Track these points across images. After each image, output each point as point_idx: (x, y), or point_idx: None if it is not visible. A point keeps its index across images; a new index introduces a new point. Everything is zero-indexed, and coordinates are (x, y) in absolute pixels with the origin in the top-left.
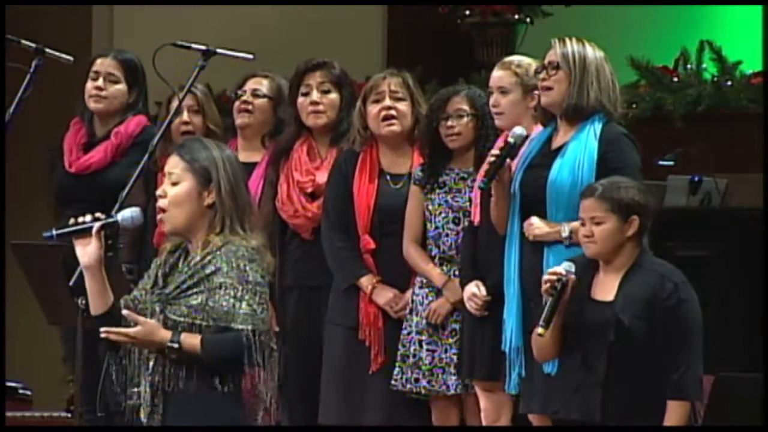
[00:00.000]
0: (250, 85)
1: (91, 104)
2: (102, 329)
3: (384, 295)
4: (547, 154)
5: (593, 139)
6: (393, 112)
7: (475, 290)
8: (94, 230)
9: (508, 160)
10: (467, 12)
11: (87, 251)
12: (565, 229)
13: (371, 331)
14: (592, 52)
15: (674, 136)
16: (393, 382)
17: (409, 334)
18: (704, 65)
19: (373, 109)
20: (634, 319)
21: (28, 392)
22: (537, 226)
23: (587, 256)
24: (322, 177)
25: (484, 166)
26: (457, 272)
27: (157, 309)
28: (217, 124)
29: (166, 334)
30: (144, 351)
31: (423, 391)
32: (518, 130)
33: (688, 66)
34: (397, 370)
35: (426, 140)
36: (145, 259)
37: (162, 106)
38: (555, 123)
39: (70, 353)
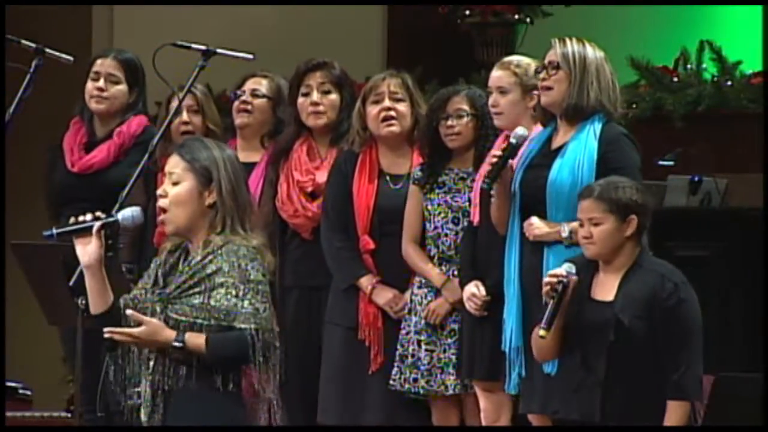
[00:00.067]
0: (250, 85)
1: (93, 105)
2: (106, 329)
3: (384, 296)
4: (547, 154)
5: (593, 139)
6: (392, 113)
7: (474, 290)
8: (94, 229)
9: (510, 161)
10: (467, 12)
11: (87, 250)
12: (564, 230)
13: (371, 331)
14: (592, 52)
15: (674, 136)
16: (391, 382)
17: (407, 334)
18: (704, 65)
19: (372, 109)
20: (633, 319)
21: (28, 392)
22: (537, 226)
23: (587, 257)
24: (321, 176)
25: (486, 167)
26: (456, 272)
27: (158, 308)
28: (216, 124)
29: (170, 334)
30: (144, 351)
31: (421, 391)
32: (520, 130)
33: (688, 66)
34: (395, 370)
35: (426, 140)
36: (145, 259)
37: (162, 106)
38: (555, 123)
39: (70, 353)
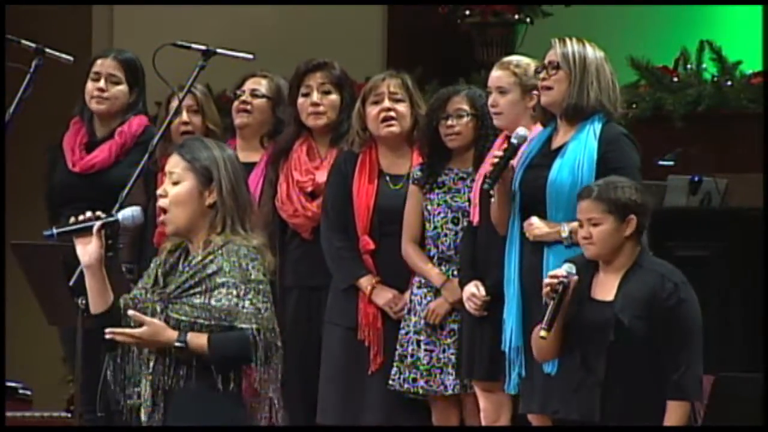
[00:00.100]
0: (249, 85)
1: (93, 105)
2: (107, 330)
3: (383, 296)
4: (547, 154)
5: (593, 139)
6: (392, 113)
7: (474, 290)
8: (94, 229)
9: (510, 161)
10: (467, 12)
11: (88, 250)
12: (564, 230)
13: (370, 331)
14: (592, 52)
15: (674, 136)
16: (390, 381)
17: (407, 334)
18: (704, 65)
19: (372, 110)
20: (633, 319)
21: (28, 392)
22: (537, 226)
23: (586, 257)
24: (321, 176)
25: (486, 167)
26: (455, 272)
27: (158, 308)
28: (216, 124)
29: (172, 334)
30: (144, 351)
31: (420, 391)
32: (521, 131)
33: (688, 66)
34: (394, 369)
35: (425, 139)
36: (145, 258)
37: (162, 106)
38: (555, 123)
39: (70, 353)
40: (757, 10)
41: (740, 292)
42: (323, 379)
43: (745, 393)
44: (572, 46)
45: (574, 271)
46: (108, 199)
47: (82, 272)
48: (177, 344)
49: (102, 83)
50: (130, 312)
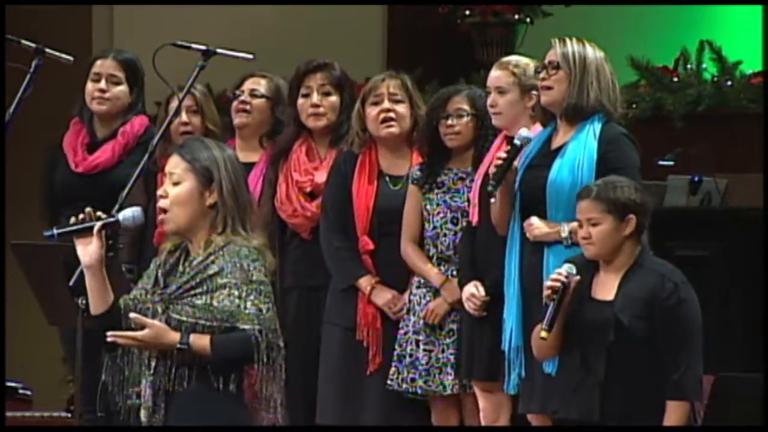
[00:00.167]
0: (248, 85)
1: (94, 106)
2: (109, 333)
3: (383, 296)
4: (547, 154)
5: (593, 139)
6: (392, 114)
7: (473, 290)
8: (95, 230)
9: (514, 163)
10: (467, 12)
11: (88, 250)
12: (564, 230)
13: (370, 331)
14: (592, 52)
15: (674, 136)
16: (389, 381)
17: (406, 333)
18: (704, 65)
19: (372, 111)
20: (633, 319)
21: (28, 392)
22: (537, 226)
23: (586, 257)
24: (320, 177)
25: (485, 167)
26: (455, 272)
27: (159, 309)
28: (216, 125)
29: (174, 336)
30: (144, 352)
31: (419, 391)
32: (524, 132)
33: (688, 66)
34: (393, 369)
35: (425, 139)
36: (145, 259)
37: (161, 106)
38: (555, 123)
39: (70, 353)
40: (757, 10)
41: (740, 292)
42: (322, 379)
43: (745, 393)
44: (572, 46)
45: (574, 271)
46: (110, 199)
47: (82, 272)
48: (180, 346)
49: (103, 84)
50: (132, 315)
